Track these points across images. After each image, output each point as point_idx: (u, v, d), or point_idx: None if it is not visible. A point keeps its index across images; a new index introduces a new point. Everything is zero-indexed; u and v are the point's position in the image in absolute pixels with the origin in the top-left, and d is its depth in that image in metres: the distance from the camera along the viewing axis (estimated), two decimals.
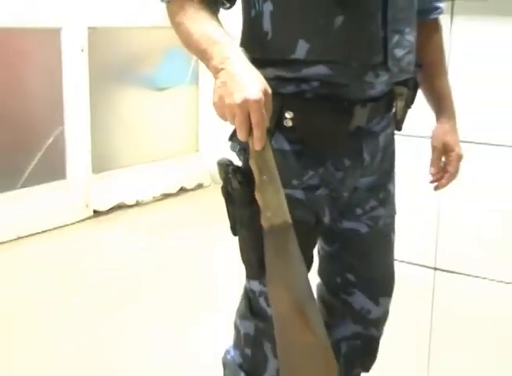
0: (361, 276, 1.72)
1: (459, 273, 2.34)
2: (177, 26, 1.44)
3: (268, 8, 1.44)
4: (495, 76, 2.41)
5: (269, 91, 1.27)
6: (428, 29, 1.65)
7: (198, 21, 1.42)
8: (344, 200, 1.61)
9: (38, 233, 3.51)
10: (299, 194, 1.52)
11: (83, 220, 3.77)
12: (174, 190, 4.37)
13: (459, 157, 1.65)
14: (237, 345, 1.71)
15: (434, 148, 1.66)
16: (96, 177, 3.91)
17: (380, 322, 1.81)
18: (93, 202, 3.87)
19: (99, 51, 3.83)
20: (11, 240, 3.39)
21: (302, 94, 1.44)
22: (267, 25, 1.44)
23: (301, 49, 1.41)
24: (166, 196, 4.31)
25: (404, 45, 1.49)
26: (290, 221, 1.36)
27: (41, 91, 3.67)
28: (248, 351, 1.68)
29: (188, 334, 2.66)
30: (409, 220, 2.17)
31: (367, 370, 1.86)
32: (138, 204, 4.11)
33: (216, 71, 1.32)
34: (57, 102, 3.66)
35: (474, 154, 2.13)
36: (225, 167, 1.47)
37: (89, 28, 3.68)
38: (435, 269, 2.37)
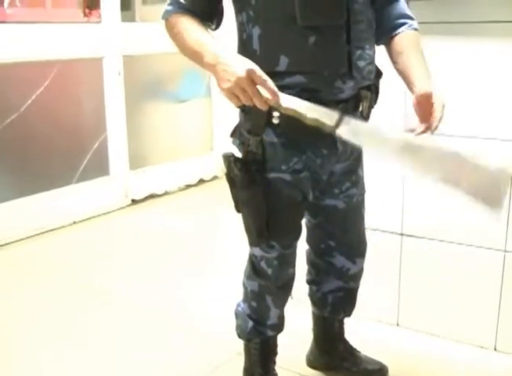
0: (340, 241, 1.84)
1: (424, 238, 2.24)
2: (174, 36, 1.53)
3: (256, 32, 1.54)
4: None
5: (255, 67, 1.36)
6: (401, 39, 1.65)
7: (191, 31, 1.50)
8: (324, 182, 1.68)
9: (89, 218, 3.70)
10: (287, 177, 1.61)
11: (123, 207, 3.94)
12: (195, 182, 4.43)
13: (443, 103, 1.53)
14: (245, 299, 1.83)
15: (418, 104, 1.54)
16: (133, 172, 4.04)
17: (356, 277, 1.92)
18: (131, 192, 4.01)
19: (132, 73, 3.95)
20: (69, 225, 3.59)
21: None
22: (256, 45, 1.54)
23: (283, 63, 1.51)
24: (188, 186, 4.38)
25: (365, 57, 1.58)
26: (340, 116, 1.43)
27: (88, 106, 3.85)
28: (254, 304, 1.80)
29: (208, 289, 2.75)
30: (377, 192, 2.05)
31: (349, 315, 2.00)
32: (166, 193, 4.21)
33: (211, 65, 1.41)
34: (101, 114, 3.84)
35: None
36: (228, 158, 1.59)
37: (124, 56, 3.84)
38: (402, 234, 2.28)
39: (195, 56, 1.47)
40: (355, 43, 1.56)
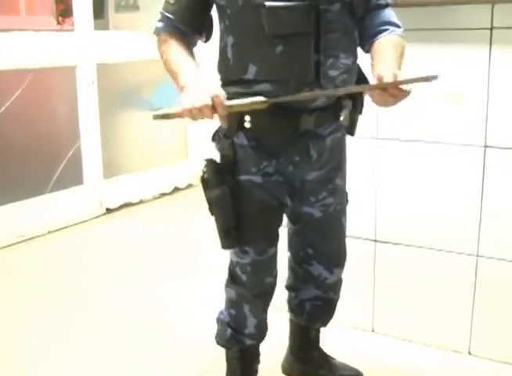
0: (318, 250, 1.82)
1: (397, 244, 2.25)
2: (161, 53, 1.63)
3: (230, 40, 1.58)
4: None
5: (217, 94, 1.44)
6: (378, 43, 1.62)
7: (175, 52, 1.59)
8: (297, 189, 1.68)
9: (64, 227, 3.65)
10: (258, 179, 1.63)
11: (98, 217, 3.89)
12: (169, 190, 4.40)
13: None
14: (225, 306, 1.83)
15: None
16: (107, 181, 4.00)
17: (335, 287, 1.90)
18: (105, 201, 3.98)
19: (106, 82, 3.93)
20: (42, 235, 3.53)
21: None
22: (230, 53, 1.58)
23: (251, 71, 1.54)
24: (163, 195, 4.35)
25: (338, 67, 1.57)
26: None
27: (62, 115, 3.88)
28: (233, 311, 1.80)
29: (186, 297, 2.74)
30: (350, 197, 1.98)
31: (325, 325, 1.99)
32: (141, 201, 4.20)
33: (181, 89, 1.52)
34: (75, 123, 3.80)
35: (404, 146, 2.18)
36: (206, 161, 1.63)
37: (98, 64, 3.81)
38: (375, 241, 2.30)
39: (173, 76, 1.58)
40: (326, 52, 1.55)
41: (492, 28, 2.03)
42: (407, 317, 2.34)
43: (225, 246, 1.69)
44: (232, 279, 1.78)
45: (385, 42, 1.62)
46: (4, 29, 3.46)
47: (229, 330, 1.82)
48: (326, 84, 1.56)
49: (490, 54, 2.05)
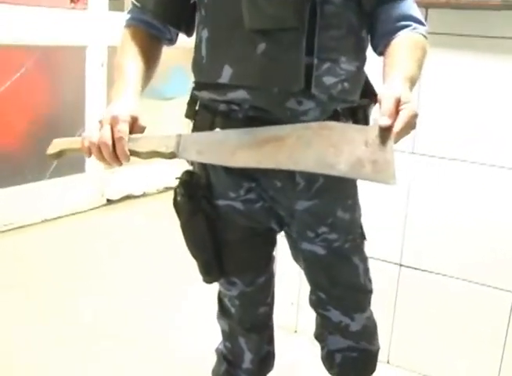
0: (329, 294, 1.53)
1: (423, 270, 2.10)
2: (119, 47, 1.36)
3: (205, 34, 1.31)
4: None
5: (121, 129, 1.17)
6: (395, 42, 1.28)
7: (126, 54, 1.32)
8: (288, 220, 1.43)
9: (61, 217, 3.53)
10: (239, 205, 1.39)
11: (98, 207, 3.79)
12: (174, 184, 4.20)
13: (411, 112, 1.09)
14: (222, 338, 1.65)
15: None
16: (110, 171, 3.86)
17: (364, 335, 1.61)
18: (107, 192, 3.87)
19: None
20: (39, 223, 3.41)
21: (233, 114, 1.30)
22: (204, 50, 1.31)
23: (226, 74, 1.26)
24: (167, 189, 4.13)
25: (337, 73, 1.27)
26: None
27: (67, 98, 3.68)
28: (228, 344, 1.62)
29: (188, 299, 2.63)
30: (377, 218, 1.93)
31: None
32: (144, 194, 4.11)
33: (110, 100, 1.28)
34: (80, 107, 3.66)
35: (438, 165, 2.03)
36: (177, 180, 1.41)
37: (109, 47, 3.66)
38: (400, 265, 2.14)
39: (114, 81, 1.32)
40: (322, 53, 1.25)
41: None
42: (426, 351, 2.17)
43: (206, 281, 1.48)
44: (222, 310, 1.59)
45: (403, 42, 1.27)
46: (13, 2, 3.27)
47: (225, 364, 1.63)
48: (319, 94, 1.27)
49: None
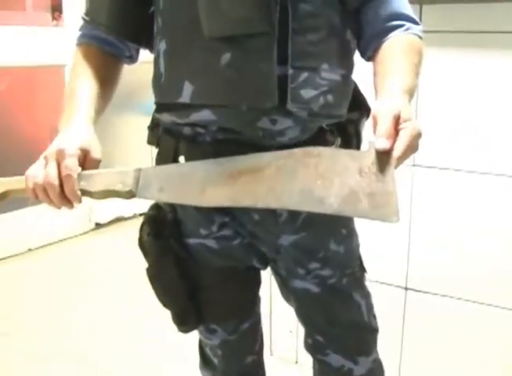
0: (328, 335, 1.35)
1: (429, 293, 1.98)
2: (70, 69, 1.22)
3: (162, 47, 1.13)
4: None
5: (70, 155, 1.04)
6: (386, 46, 1.13)
7: (79, 78, 1.17)
8: (272, 257, 1.28)
9: (47, 245, 3.40)
10: (211, 243, 1.22)
11: (86, 232, 3.67)
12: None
13: (414, 131, 0.94)
14: None
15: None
16: None
17: None
18: (95, 215, 3.75)
19: None
20: (23, 252, 3.30)
21: (199, 137, 1.15)
22: (162, 66, 1.14)
23: (187, 92, 1.09)
24: None
25: (317, 84, 1.10)
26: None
27: (47, 118, 3.57)
28: None
29: None
30: (381, 241, 1.86)
31: None
32: (135, 216, 3.92)
33: (58, 132, 1.13)
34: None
35: (441, 179, 1.89)
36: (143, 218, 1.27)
37: None
38: (406, 288, 2.02)
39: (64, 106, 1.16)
40: (297, 62, 1.08)
41: None
42: (433, 368, 2.02)
43: (182, 331, 1.30)
44: (204, 361, 1.41)
45: (396, 46, 1.12)
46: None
47: None
48: (296, 111, 1.10)
49: None
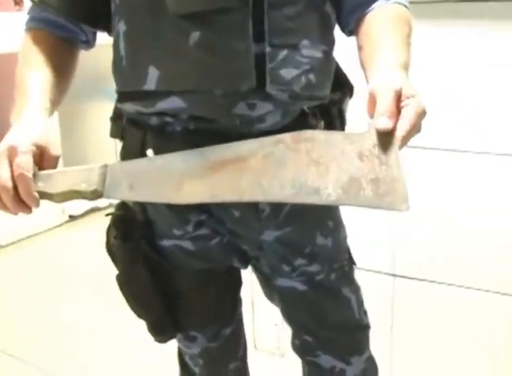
0: (317, 336, 1.28)
1: (417, 279, 1.94)
2: (20, 55, 1.09)
3: (122, 28, 1.03)
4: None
5: (23, 152, 0.92)
6: (370, 18, 1.03)
7: (29, 67, 1.06)
8: (254, 254, 1.20)
9: (19, 240, 3.36)
10: (187, 244, 1.14)
11: (60, 225, 3.62)
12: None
13: (419, 108, 0.85)
14: None
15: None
16: None
17: None
18: (68, 207, 3.66)
19: None
20: None
21: (168, 128, 1.06)
22: (122, 49, 1.04)
23: (152, 78, 1.00)
24: None
25: (298, 62, 1.01)
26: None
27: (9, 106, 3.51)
28: None
29: None
30: (367, 229, 1.81)
31: None
32: (110, 205, 3.68)
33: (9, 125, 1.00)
34: None
35: (428, 160, 1.82)
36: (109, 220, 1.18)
37: None
38: (394, 275, 1.98)
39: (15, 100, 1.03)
40: (276, 39, 0.99)
41: None
42: (428, 362, 1.99)
43: (159, 341, 1.22)
44: (184, 370, 1.34)
45: (382, 16, 1.01)
46: None
47: None
48: (277, 93, 1.01)
49: None
